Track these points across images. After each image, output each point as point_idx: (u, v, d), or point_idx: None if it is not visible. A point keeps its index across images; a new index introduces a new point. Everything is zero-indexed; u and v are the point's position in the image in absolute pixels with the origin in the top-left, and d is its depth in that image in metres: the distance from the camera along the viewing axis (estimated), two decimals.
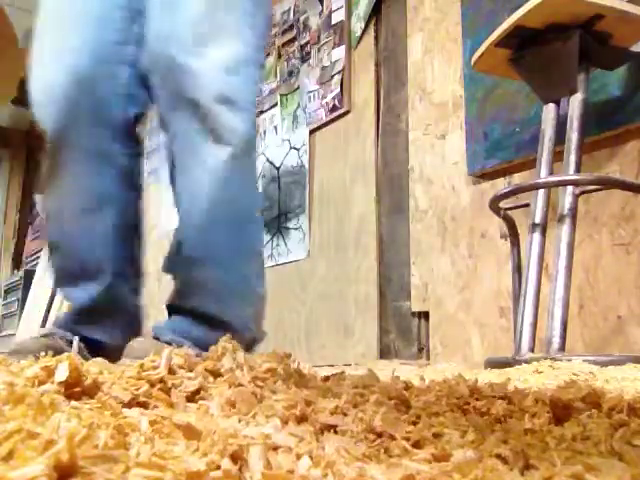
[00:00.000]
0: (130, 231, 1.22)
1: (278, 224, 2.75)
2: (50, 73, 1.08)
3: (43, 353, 0.49)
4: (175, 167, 1.13)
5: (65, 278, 1.18)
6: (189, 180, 1.11)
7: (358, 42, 2.43)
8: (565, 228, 1.25)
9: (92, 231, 1.14)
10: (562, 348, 1.17)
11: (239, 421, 0.40)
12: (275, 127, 2.88)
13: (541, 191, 1.34)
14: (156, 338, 1.06)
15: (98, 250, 1.15)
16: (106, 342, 1.13)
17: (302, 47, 2.75)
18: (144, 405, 0.45)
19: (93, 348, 1.09)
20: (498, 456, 0.34)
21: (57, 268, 1.19)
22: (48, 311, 3.95)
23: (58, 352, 0.53)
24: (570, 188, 1.27)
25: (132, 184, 1.19)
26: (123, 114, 1.14)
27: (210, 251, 1.12)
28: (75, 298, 1.16)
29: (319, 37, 2.65)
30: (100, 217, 1.14)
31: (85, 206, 1.13)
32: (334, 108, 2.51)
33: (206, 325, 1.09)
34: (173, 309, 1.16)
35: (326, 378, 0.64)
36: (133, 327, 1.20)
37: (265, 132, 2.95)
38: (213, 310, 1.10)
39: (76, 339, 1.07)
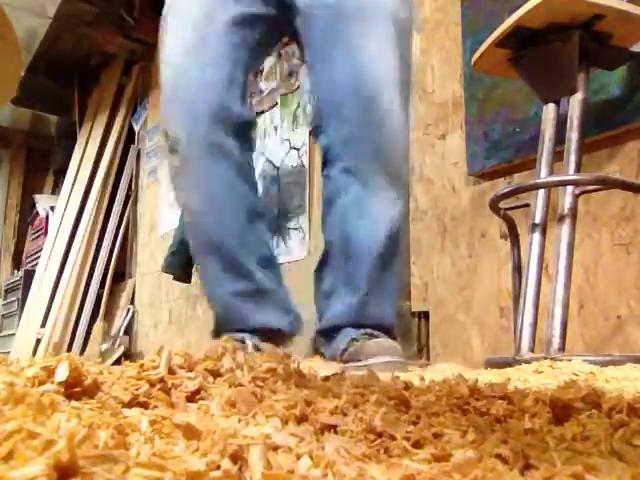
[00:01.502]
0: (253, 218, 1.30)
1: (278, 224, 2.75)
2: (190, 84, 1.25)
3: None
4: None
5: (215, 274, 1.27)
6: None
7: None
8: (565, 228, 1.25)
9: (228, 219, 1.25)
10: (562, 348, 1.17)
11: (239, 421, 0.40)
12: (275, 127, 2.88)
13: (541, 191, 1.34)
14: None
15: (246, 245, 1.26)
16: (279, 327, 1.24)
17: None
18: (144, 405, 0.45)
19: (266, 335, 1.21)
20: (498, 456, 0.34)
21: (207, 267, 1.28)
22: (48, 311, 3.95)
23: None
24: (570, 188, 1.27)
25: (248, 175, 1.30)
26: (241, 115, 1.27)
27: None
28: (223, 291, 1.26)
29: None
30: (237, 203, 1.26)
31: (220, 198, 1.25)
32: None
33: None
34: None
35: (326, 378, 0.64)
36: (289, 313, 1.31)
37: (265, 132, 2.95)
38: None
39: (247, 338, 1.17)
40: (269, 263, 1.31)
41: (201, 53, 1.26)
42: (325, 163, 1.32)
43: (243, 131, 1.28)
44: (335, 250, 1.28)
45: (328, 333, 1.27)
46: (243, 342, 1.17)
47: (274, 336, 1.24)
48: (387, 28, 1.26)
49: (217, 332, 1.29)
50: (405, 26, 1.31)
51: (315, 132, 1.33)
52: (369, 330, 1.23)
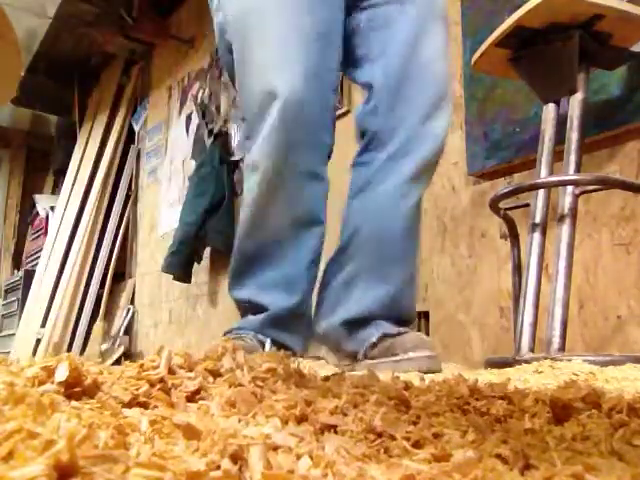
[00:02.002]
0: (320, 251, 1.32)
1: None
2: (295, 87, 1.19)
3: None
4: None
5: (263, 282, 1.24)
6: None
7: None
8: (565, 228, 1.25)
9: (303, 245, 1.25)
10: (562, 348, 1.17)
11: (239, 421, 0.40)
12: None
13: (541, 191, 1.34)
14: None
15: (303, 264, 1.24)
16: (292, 348, 1.19)
17: None
18: (144, 405, 0.45)
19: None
20: (498, 456, 0.34)
21: (256, 272, 1.25)
22: (48, 311, 3.95)
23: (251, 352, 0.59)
24: (570, 188, 1.27)
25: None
26: (329, 139, 1.31)
27: None
28: (272, 303, 1.22)
29: None
30: (310, 234, 1.28)
31: (302, 221, 1.26)
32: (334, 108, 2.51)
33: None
34: None
35: (326, 378, 0.64)
36: (309, 336, 1.29)
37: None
38: None
39: (268, 341, 1.15)
40: (309, 289, 1.29)
41: (319, 81, 1.23)
42: (368, 147, 1.32)
43: (328, 156, 1.32)
44: (364, 238, 1.25)
45: (353, 325, 1.21)
46: (263, 343, 1.16)
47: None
48: (444, 25, 1.27)
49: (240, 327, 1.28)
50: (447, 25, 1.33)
51: (364, 113, 1.33)
52: (402, 324, 1.19)
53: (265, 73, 1.18)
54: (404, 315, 1.23)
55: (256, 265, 1.25)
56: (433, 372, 1.05)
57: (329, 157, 1.34)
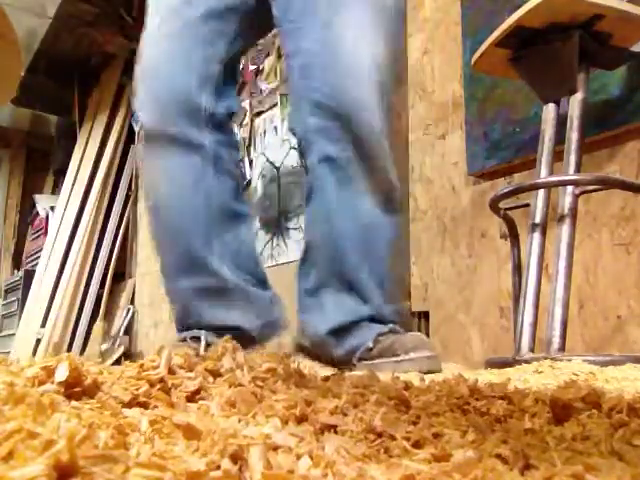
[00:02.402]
0: (227, 214, 1.24)
1: (278, 224, 2.75)
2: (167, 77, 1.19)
3: None
4: None
5: (173, 269, 1.22)
6: None
7: None
8: (565, 228, 1.25)
9: (193, 214, 1.20)
10: (562, 348, 1.17)
11: (239, 421, 0.40)
12: (275, 127, 2.88)
13: (541, 191, 1.34)
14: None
15: (201, 235, 1.20)
16: (241, 326, 1.17)
17: None
18: (144, 405, 0.45)
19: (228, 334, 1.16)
20: (498, 456, 0.34)
21: (166, 261, 1.24)
22: (48, 311, 3.95)
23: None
24: (570, 188, 1.27)
25: (222, 169, 1.23)
26: (211, 108, 1.22)
27: None
28: (187, 288, 1.20)
29: None
30: (195, 200, 1.20)
31: (181, 194, 1.20)
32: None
33: None
34: None
35: (326, 378, 0.64)
36: (263, 316, 1.22)
37: (265, 132, 2.95)
38: None
39: (203, 335, 1.13)
40: (247, 263, 1.24)
41: (175, 42, 1.21)
42: (302, 152, 1.25)
43: (215, 124, 1.22)
44: (317, 246, 1.22)
45: (340, 332, 1.18)
46: (198, 339, 1.12)
47: (235, 336, 1.18)
48: (366, 7, 1.19)
49: (178, 329, 1.24)
50: (389, 10, 1.24)
51: (290, 118, 1.29)
52: (394, 325, 1.16)
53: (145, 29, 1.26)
54: (388, 316, 1.20)
55: (159, 250, 1.26)
56: (433, 372, 1.05)
57: (223, 123, 1.25)
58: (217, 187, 1.21)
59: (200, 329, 1.16)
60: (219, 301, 1.18)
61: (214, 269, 1.18)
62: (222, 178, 1.23)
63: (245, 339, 1.13)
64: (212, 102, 1.21)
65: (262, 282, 1.27)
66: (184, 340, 1.15)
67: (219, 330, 1.13)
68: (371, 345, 1.13)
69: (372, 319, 1.18)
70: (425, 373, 0.99)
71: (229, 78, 1.26)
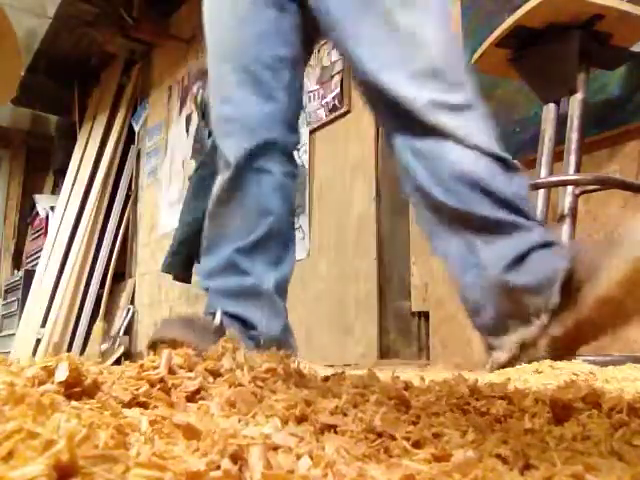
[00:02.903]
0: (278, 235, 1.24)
1: None
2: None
3: None
4: None
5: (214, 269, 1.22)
6: None
7: None
8: (565, 228, 1.25)
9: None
10: None
11: (239, 421, 0.40)
12: None
13: (541, 191, 1.34)
14: None
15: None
16: (250, 321, 1.15)
17: None
18: (144, 405, 0.45)
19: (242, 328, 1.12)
20: (498, 456, 0.34)
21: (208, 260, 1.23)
22: (48, 311, 3.95)
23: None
24: (570, 188, 1.27)
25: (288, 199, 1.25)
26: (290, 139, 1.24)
27: None
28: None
29: None
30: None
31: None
32: (334, 108, 2.51)
33: None
34: None
35: (326, 378, 0.64)
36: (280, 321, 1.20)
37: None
38: None
39: (219, 311, 1.10)
40: (279, 285, 1.23)
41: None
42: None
43: (286, 155, 1.25)
44: None
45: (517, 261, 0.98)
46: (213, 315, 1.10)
47: (245, 332, 1.16)
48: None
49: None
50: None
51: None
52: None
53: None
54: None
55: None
56: None
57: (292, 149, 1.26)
58: (276, 207, 1.23)
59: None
60: (247, 300, 1.17)
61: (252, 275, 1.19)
62: (283, 201, 1.25)
63: (253, 338, 1.13)
64: (288, 139, 1.25)
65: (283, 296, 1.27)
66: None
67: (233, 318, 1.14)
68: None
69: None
70: None
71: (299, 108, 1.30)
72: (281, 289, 1.22)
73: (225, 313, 1.13)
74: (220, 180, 1.23)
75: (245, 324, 1.14)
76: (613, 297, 0.87)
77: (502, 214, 1.01)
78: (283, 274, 1.23)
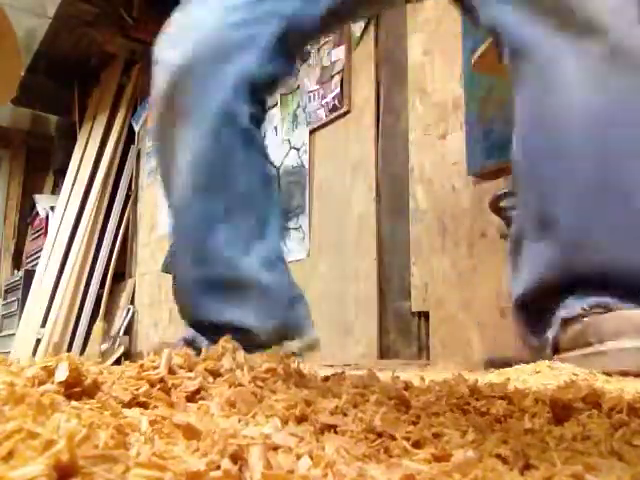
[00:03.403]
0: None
1: None
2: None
3: None
4: None
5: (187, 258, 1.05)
6: None
7: (358, 42, 2.43)
8: None
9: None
10: None
11: (239, 421, 0.40)
12: (275, 127, 2.88)
13: None
14: None
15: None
16: (247, 327, 0.98)
17: None
18: (144, 405, 0.45)
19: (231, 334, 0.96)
20: (498, 456, 0.34)
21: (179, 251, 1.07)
22: (48, 311, 3.95)
23: None
24: None
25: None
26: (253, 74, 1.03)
27: None
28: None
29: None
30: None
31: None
32: (334, 108, 2.51)
33: None
34: None
35: (326, 378, 0.64)
36: (278, 316, 1.02)
37: (265, 132, 2.95)
38: None
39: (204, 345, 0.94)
40: (271, 257, 1.05)
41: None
42: None
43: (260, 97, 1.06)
44: None
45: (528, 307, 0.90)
46: (191, 344, 0.94)
47: (241, 337, 0.98)
48: None
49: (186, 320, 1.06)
50: None
51: None
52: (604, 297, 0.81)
53: None
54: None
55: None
56: None
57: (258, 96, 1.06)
58: (251, 171, 1.04)
59: (203, 328, 1.01)
60: (230, 295, 1.00)
61: (230, 259, 1.00)
62: (259, 159, 1.08)
63: (253, 341, 0.98)
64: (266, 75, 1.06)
65: (284, 276, 1.07)
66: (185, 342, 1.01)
67: (225, 331, 0.99)
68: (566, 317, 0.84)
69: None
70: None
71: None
72: (271, 263, 1.02)
73: (211, 326, 0.97)
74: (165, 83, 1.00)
75: (238, 331, 0.96)
76: None
77: None
78: (269, 247, 1.02)
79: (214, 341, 0.90)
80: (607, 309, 0.80)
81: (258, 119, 1.09)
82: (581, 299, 0.83)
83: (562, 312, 0.84)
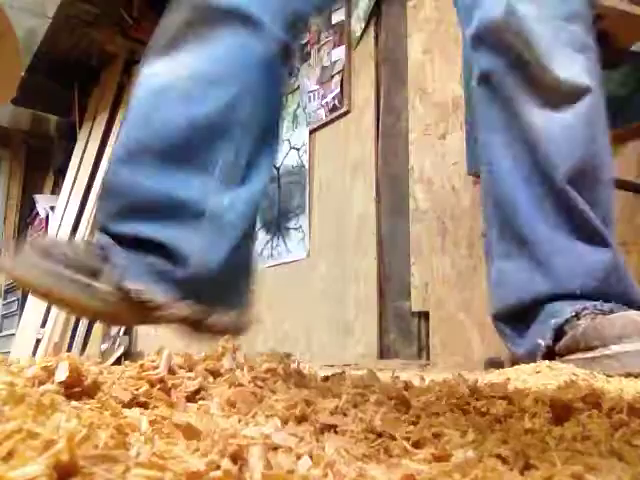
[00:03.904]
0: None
1: (278, 224, 2.75)
2: None
3: None
4: None
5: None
6: None
7: (358, 42, 2.43)
8: None
9: None
10: None
11: (239, 421, 0.40)
12: None
13: None
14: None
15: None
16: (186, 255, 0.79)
17: (302, 47, 2.75)
18: (144, 405, 0.45)
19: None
20: (498, 456, 0.34)
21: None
22: (48, 311, 3.95)
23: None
24: None
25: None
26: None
27: None
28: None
29: (319, 37, 2.65)
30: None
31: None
32: (334, 108, 2.51)
33: None
34: None
35: (326, 378, 0.64)
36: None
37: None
38: None
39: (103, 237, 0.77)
40: (238, 209, 0.84)
41: None
42: None
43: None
44: None
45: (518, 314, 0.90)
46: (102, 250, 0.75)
47: (159, 265, 0.76)
48: None
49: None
50: None
51: None
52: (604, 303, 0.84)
53: None
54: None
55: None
56: None
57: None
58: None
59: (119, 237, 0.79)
60: (182, 219, 0.80)
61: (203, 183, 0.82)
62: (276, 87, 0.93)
63: (168, 276, 0.76)
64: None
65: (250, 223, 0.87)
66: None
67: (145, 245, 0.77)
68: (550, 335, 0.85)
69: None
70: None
71: None
72: (243, 216, 0.83)
73: (133, 237, 0.77)
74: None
75: (168, 255, 0.77)
76: None
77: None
78: (248, 194, 0.84)
79: (129, 257, 0.74)
80: (600, 312, 0.83)
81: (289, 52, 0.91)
82: (569, 305, 0.85)
83: (552, 320, 0.85)
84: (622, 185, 1.32)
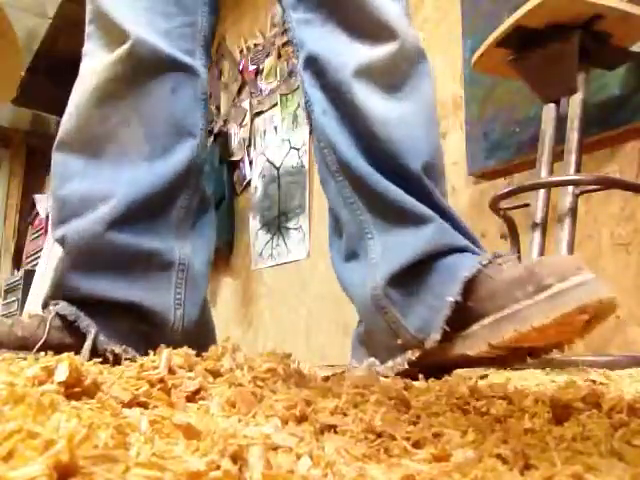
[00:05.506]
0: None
1: (278, 224, 2.75)
2: None
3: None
4: None
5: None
6: None
7: None
8: (565, 228, 1.25)
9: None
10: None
11: (239, 421, 0.40)
12: (275, 127, 2.88)
13: (541, 191, 1.34)
14: None
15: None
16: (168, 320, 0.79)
17: None
18: (144, 405, 0.45)
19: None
20: (498, 456, 0.34)
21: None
22: None
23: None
24: (570, 188, 1.27)
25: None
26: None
27: None
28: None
29: None
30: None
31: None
32: None
33: None
34: None
35: (326, 378, 0.64)
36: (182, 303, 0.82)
37: (265, 132, 2.95)
38: None
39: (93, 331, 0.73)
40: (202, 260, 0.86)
41: None
42: None
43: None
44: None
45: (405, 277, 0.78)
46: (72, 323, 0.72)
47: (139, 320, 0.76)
48: None
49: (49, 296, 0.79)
50: None
51: None
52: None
53: None
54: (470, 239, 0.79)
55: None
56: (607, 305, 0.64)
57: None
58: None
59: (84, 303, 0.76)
60: (128, 269, 0.78)
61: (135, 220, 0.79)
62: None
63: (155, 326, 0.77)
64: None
65: (203, 252, 0.88)
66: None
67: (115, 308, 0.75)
68: (462, 280, 0.72)
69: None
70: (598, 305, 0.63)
71: None
72: (203, 269, 0.84)
73: (98, 302, 0.73)
74: (110, 59, 0.81)
75: (143, 318, 0.76)
76: (503, 348, 0.69)
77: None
78: (206, 247, 0.85)
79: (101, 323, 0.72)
80: (505, 260, 0.74)
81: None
82: (468, 258, 0.76)
83: (463, 272, 0.72)
84: (622, 185, 1.32)
